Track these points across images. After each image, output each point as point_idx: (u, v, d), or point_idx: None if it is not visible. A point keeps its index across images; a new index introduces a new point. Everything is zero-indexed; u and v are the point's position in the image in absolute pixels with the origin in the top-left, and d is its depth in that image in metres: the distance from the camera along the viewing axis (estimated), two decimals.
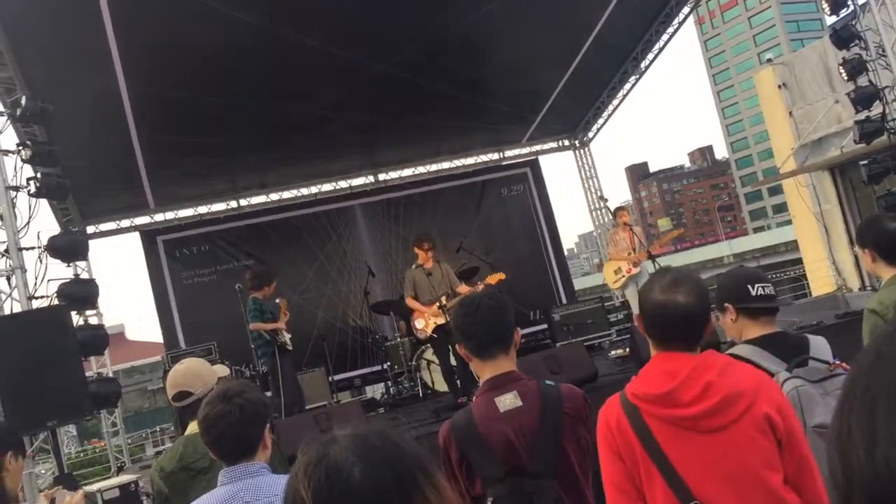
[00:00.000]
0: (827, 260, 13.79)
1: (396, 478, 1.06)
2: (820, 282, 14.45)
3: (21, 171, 7.83)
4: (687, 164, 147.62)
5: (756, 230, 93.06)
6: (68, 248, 8.00)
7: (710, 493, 2.01)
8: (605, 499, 2.22)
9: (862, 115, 10.22)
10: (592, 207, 16.29)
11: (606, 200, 15.17)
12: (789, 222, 18.38)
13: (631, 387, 2.18)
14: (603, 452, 2.19)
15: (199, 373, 3.27)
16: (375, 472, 1.05)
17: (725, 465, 2.01)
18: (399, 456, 1.09)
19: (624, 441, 2.12)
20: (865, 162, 10.34)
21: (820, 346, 2.63)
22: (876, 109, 10.12)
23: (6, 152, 7.84)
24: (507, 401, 2.53)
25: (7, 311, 7.59)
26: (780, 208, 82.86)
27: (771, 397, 2.08)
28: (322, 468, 1.06)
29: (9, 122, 8.07)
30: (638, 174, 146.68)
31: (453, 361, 8.10)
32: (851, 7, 10.20)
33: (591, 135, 16.11)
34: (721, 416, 2.03)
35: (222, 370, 3.58)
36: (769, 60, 15.11)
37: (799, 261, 17.58)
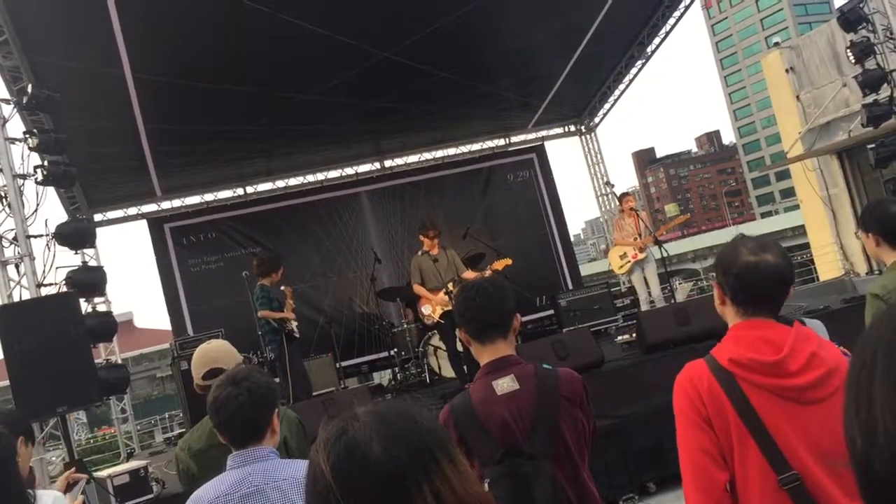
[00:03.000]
0: (834, 244, 13.76)
1: (414, 453, 1.08)
2: (827, 266, 14.43)
3: (28, 160, 7.86)
4: (694, 149, 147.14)
5: (763, 215, 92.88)
6: (76, 235, 8.03)
7: (806, 464, 1.97)
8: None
9: (870, 99, 10.18)
10: (599, 193, 16.26)
11: (613, 186, 15.13)
12: (797, 207, 18.30)
13: (725, 353, 2.09)
14: (687, 419, 2.08)
15: (229, 351, 3.28)
16: (394, 447, 1.07)
17: (821, 438, 1.98)
18: (417, 432, 1.11)
19: (716, 408, 2.04)
20: (873, 146, 10.30)
21: (817, 328, 2.63)
22: (884, 93, 10.07)
23: (13, 140, 7.86)
24: (505, 384, 2.58)
25: (16, 299, 7.64)
26: (788, 193, 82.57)
27: None
28: (341, 443, 1.08)
29: (15, 110, 8.08)
30: (644, 159, 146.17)
31: (460, 347, 8.12)
32: None
33: (597, 120, 16.06)
34: (822, 389, 2.00)
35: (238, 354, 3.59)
36: (776, 44, 15.02)
37: (807, 245, 17.54)
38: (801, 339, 2.06)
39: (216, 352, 3.26)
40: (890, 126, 10.14)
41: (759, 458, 2.00)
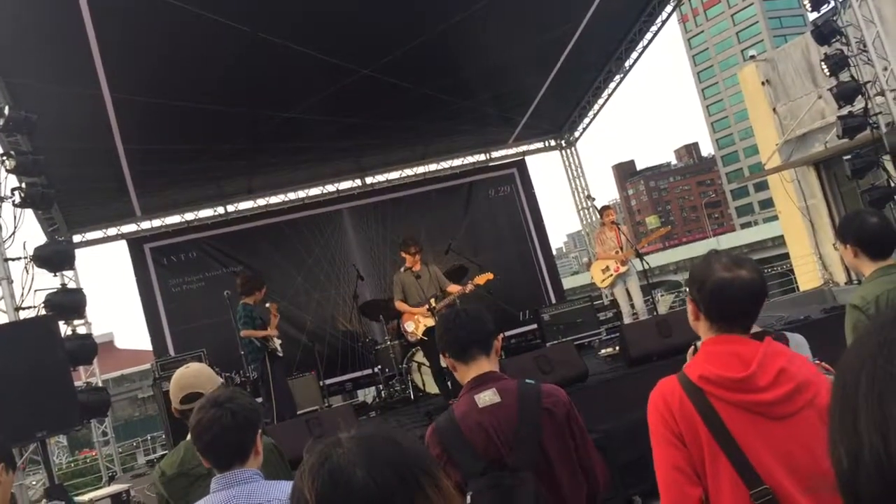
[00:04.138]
0: (813, 254, 13.89)
1: (399, 478, 1.07)
2: (807, 276, 14.56)
3: (5, 182, 7.80)
4: (673, 161, 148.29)
5: (743, 226, 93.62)
6: (55, 257, 7.95)
7: (777, 479, 1.99)
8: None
9: (845, 111, 10.30)
10: (580, 206, 16.33)
11: (593, 199, 15.23)
12: (776, 217, 18.48)
13: (696, 369, 2.11)
14: (660, 436, 2.11)
15: (208, 374, 3.27)
16: (378, 472, 1.06)
17: (791, 452, 2.00)
18: (402, 457, 1.10)
19: (688, 425, 2.06)
20: (849, 157, 10.43)
21: (799, 343, 2.64)
22: (858, 104, 10.20)
23: None
24: (486, 397, 2.61)
25: None
26: (767, 204, 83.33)
27: (828, 389, 2.05)
28: (325, 469, 1.07)
29: None
30: (625, 172, 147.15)
31: (444, 363, 8.09)
32: (832, 3, 10.28)
33: (577, 134, 16.15)
34: (792, 404, 2.02)
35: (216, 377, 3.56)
36: (752, 57, 15.20)
37: (786, 255, 17.68)
38: (770, 354, 2.08)
39: (194, 377, 3.24)
40: (865, 137, 10.27)
41: (731, 474, 2.01)
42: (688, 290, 2.29)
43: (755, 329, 2.47)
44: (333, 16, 9.62)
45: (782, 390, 2.03)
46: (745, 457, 2.01)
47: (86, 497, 6.95)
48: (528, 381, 2.69)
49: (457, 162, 15.52)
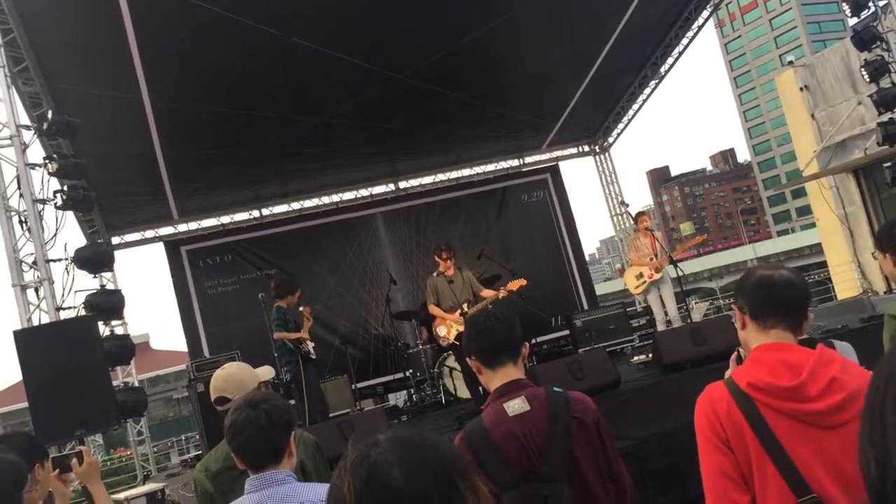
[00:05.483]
0: (852, 263, 13.66)
1: (435, 479, 1.09)
2: (845, 285, 14.32)
3: (48, 185, 7.97)
4: (709, 167, 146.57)
5: (780, 233, 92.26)
6: (94, 259, 8.11)
7: (826, 489, 1.96)
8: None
9: (885, 117, 10.14)
10: (613, 212, 16.25)
11: (627, 205, 15.07)
12: (813, 225, 18.23)
13: (744, 376, 2.10)
14: (708, 442, 2.09)
15: (240, 380, 3.30)
16: (415, 473, 1.08)
17: (841, 462, 1.97)
18: (438, 458, 1.12)
19: (735, 432, 2.05)
20: (889, 164, 10.26)
21: (846, 351, 2.60)
22: None
23: (33, 166, 7.97)
24: (516, 405, 2.58)
25: (36, 323, 7.70)
26: (804, 211, 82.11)
27: None
28: (364, 468, 1.10)
29: (35, 135, 8.19)
30: (659, 178, 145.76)
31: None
32: (873, 8, 10.13)
33: (611, 140, 16.07)
34: (843, 413, 2.00)
35: (265, 373, 3.55)
36: (790, 62, 15.03)
37: (824, 264, 17.41)
38: (822, 362, 2.05)
39: (223, 381, 3.28)
40: None
41: (779, 482, 1.99)
42: (734, 302, 2.31)
43: (803, 336, 2.45)
44: (369, 22, 9.69)
45: (834, 399, 2.01)
46: (793, 465, 1.99)
47: (121, 495, 7.04)
48: (555, 388, 2.67)
49: (490, 167, 15.53)
